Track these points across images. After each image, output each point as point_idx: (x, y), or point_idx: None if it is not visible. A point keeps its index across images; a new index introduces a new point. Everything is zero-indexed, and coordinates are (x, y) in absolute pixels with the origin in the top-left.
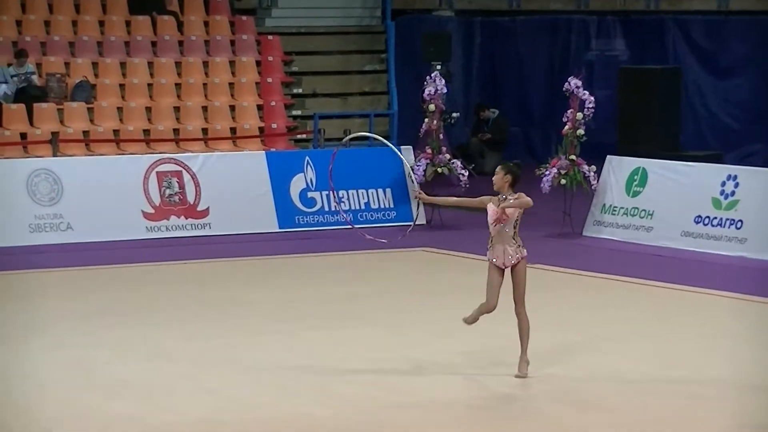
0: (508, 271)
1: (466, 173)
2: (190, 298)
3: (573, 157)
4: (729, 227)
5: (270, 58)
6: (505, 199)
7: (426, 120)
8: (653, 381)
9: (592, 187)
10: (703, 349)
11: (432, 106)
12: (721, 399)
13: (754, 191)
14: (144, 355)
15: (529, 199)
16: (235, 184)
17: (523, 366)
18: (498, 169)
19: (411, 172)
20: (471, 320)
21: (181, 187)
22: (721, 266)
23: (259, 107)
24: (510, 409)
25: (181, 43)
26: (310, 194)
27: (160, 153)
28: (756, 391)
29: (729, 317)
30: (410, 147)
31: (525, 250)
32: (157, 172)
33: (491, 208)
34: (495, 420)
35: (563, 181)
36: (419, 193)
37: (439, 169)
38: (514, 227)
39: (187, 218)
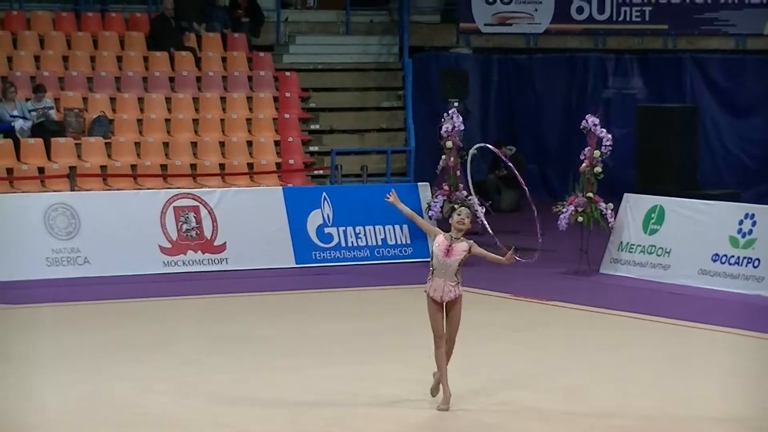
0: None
1: (483, 210)
2: (206, 333)
3: (590, 194)
4: (746, 266)
5: (287, 94)
6: (458, 239)
7: (443, 157)
8: (669, 418)
9: (609, 225)
10: (720, 388)
11: (449, 143)
12: None
13: None
14: (160, 389)
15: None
16: (252, 219)
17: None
18: (466, 212)
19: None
20: (435, 391)
21: (198, 222)
22: (738, 304)
23: (277, 143)
24: None
25: (198, 78)
26: (326, 230)
27: (178, 188)
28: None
29: (747, 355)
30: (427, 184)
31: (461, 288)
32: (174, 207)
33: (441, 240)
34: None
35: (580, 219)
36: (389, 196)
37: (456, 206)
38: (459, 265)
39: (204, 253)
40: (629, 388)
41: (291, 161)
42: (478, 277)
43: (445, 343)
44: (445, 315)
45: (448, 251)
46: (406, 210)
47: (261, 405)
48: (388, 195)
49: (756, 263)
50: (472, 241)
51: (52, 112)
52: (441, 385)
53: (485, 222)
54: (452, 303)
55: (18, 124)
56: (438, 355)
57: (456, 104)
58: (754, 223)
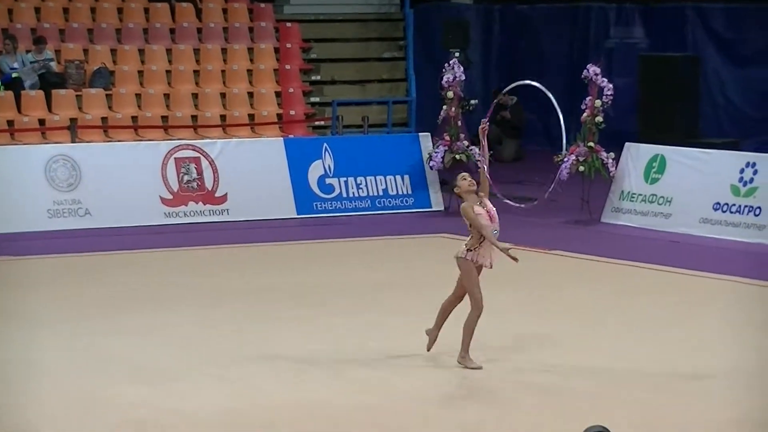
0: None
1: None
2: (207, 284)
3: (591, 144)
4: (747, 214)
5: (288, 45)
6: (485, 201)
7: (444, 107)
8: (671, 368)
9: (611, 174)
10: (722, 337)
11: (450, 93)
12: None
13: None
14: (161, 341)
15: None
16: (253, 170)
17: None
18: (470, 177)
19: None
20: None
21: (200, 173)
22: (739, 253)
23: (278, 94)
24: (529, 395)
25: (199, 30)
26: (328, 180)
27: (179, 139)
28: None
29: (747, 303)
30: (428, 134)
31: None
32: (175, 159)
33: (479, 209)
34: (513, 407)
35: (582, 168)
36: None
37: (458, 156)
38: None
39: (205, 204)
40: (644, 338)
41: (292, 112)
42: None
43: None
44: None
45: (491, 218)
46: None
47: (264, 358)
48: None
49: (757, 211)
50: (483, 196)
51: (53, 64)
52: (434, 331)
53: (485, 165)
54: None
55: (27, 82)
56: (446, 306)
57: (457, 54)
58: (755, 172)
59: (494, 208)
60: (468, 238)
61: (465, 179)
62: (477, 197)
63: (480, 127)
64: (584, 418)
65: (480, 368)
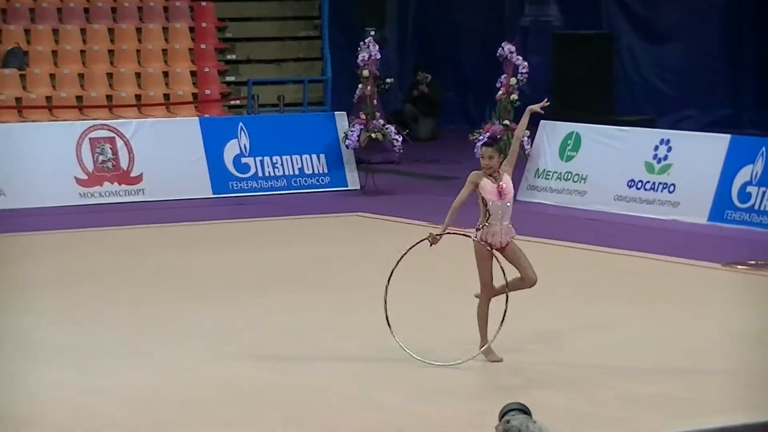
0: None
1: (401, 139)
2: (123, 264)
3: (507, 122)
4: (662, 191)
5: (204, 25)
6: (501, 175)
7: (360, 86)
8: (587, 341)
9: (526, 152)
10: (635, 312)
11: (366, 72)
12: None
13: (686, 155)
14: (78, 320)
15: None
16: (168, 150)
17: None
18: (491, 150)
19: None
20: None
21: (115, 153)
22: (653, 230)
23: (193, 73)
24: (431, 370)
25: (114, 9)
26: (243, 160)
27: (94, 120)
28: (684, 354)
29: (662, 280)
30: (344, 113)
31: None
32: (90, 139)
33: (487, 183)
34: (427, 376)
35: None
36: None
37: (374, 135)
38: (511, 203)
39: (120, 184)
40: (561, 315)
41: (207, 92)
42: (395, 205)
43: (493, 292)
44: (506, 257)
45: (500, 193)
46: (450, 217)
47: (182, 335)
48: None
49: (671, 188)
50: (507, 170)
51: None
52: (483, 336)
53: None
54: (506, 248)
55: None
56: (481, 308)
57: (373, 33)
58: (669, 149)
59: (510, 185)
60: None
61: (491, 157)
62: (494, 173)
63: (535, 106)
64: (508, 392)
65: (500, 360)
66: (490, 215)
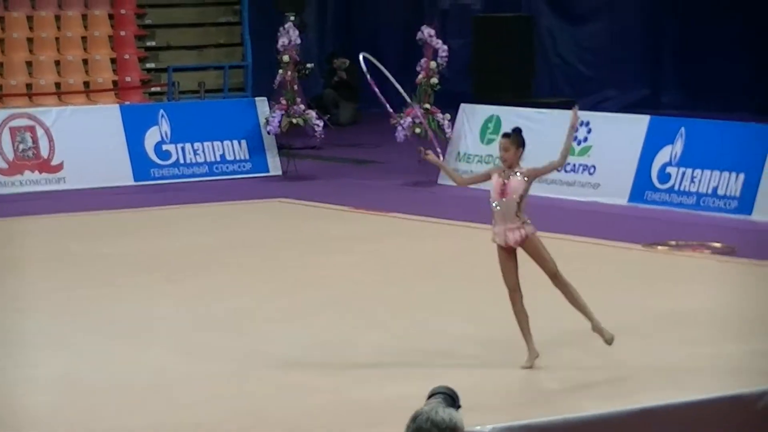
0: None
1: (322, 124)
2: (45, 252)
3: (427, 105)
4: (582, 173)
5: (123, 12)
6: (513, 173)
7: (280, 71)
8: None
9: (447, 136)
10: (555, 294)
11: (286, 57)
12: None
13: (606, 137)
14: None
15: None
16: (89, 138)
17: (600, 329)
18: (507, 142)
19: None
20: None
21: (35, 141)
22: (574, 212)
23: (113, 61)
24: (350, 352)
25: None
26: (165, 147)
27: (13, 108)
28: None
29: (583, 261)
30: (265, 98)
31: (530, 227)
32: (10, 128)
33: (495, 178)
34: (351, 360)
35: (418, 130)
36: (426, 153)
37: (294, 120)
38: (519, 203)
39: (41, 173)
40: (489, 297)
41: (128, 79)
42: (317, 190)
43: (520, 294)
44: (529, 255)
45: (503, 191)
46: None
47: (105, 323)
48: (425, 154)
49: (592, 170)
50: (530, 168)
51: None
52: (528, 343)
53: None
54: (528, 245)
55: None
56: (516, 313)
57: (292, 18)
58: (589, 131)
59: (518, 184)
60: None
61: (508, 150)
62: (508, 167)
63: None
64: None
65: (529, 367)
66: (494, 213)
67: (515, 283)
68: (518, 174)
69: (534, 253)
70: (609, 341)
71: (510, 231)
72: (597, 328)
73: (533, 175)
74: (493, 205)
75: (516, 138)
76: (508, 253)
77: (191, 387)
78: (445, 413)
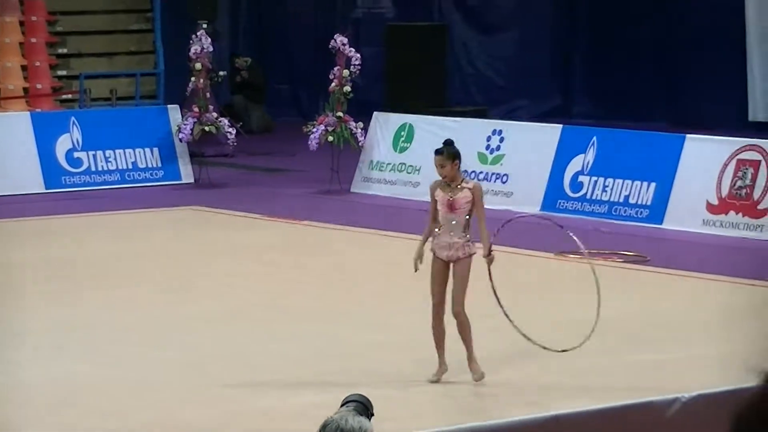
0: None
1: (234, 132)
2: None
3: (340, 114)
4: (495, 181)
5: (34, 18)
6: (459, 187)
7: (193, 79)
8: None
9: (360, 144)
10: (467, 304)
11: (198, 65)
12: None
13: (519, 145)
14: None
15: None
16: None
17: (475, 367)
18: (440, 159)
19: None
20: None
21: None
22: (487, 220)
23: (24, 68)
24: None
25: None
26: (76, 154)
27: None
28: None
29: (495, 270)
30: (177, 106)
31: (470, 249)
32: None
33: (440, 193)
34: (260, 372)
35: (331, 138)
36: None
37: (207, 128)
38: (467, 217)
39: None
40: (405, 306)
41: (39, 86)
42: (229, 198)
43: (443, 309)
44: (452, 275)
45: (451, 205)
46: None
47: (15, 332)
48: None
49: (504, 179)
50: (474, 184)
51: None
52: (439, 357)
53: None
54: (459, 266)
55: None
56: (434, 326)
57: (205, 26)
58: (501, 140)
59: (465, 200)
60: None
61: (444, 165)
62: (452, 182)
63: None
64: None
65: (436, 381)
66: (441, 225)
67: (441, 296)
68: (464, 189)
69: (458, 276)
70: (478, 378)
71: (453, 246)
72: (472, 364)
73: (477, 195)
74: (446, 217)
75: (448, 152)
76: (442, 266)
77: (100, 395)
78: (355, 421)
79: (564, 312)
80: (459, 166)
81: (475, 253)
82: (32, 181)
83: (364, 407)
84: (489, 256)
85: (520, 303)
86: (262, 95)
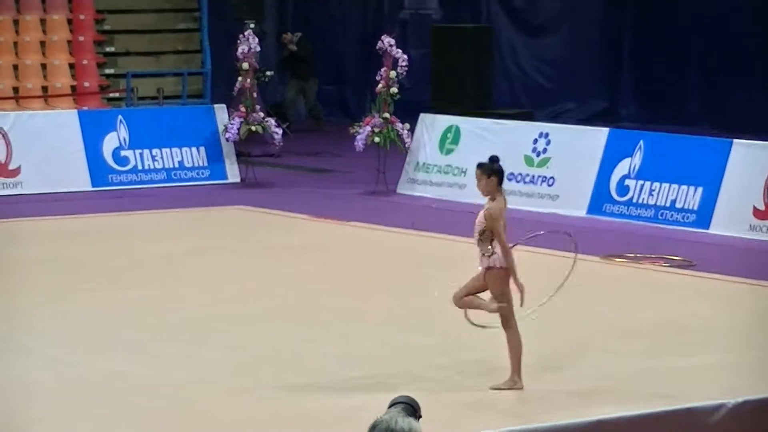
0: None
1: (281, 132)
2: (1, 257)
3: (387, 115)
4: (541, 184)
5: (82, 17)
6: (485, 207)
7: (239, 78)
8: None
9: (406, 145)
10: (516, 306)
11: (245, 65)
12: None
13: (565, 148)
14: None
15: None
16: (47, 143)
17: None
18: (477, 173)
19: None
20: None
21: None
22: (533, 223)
23: (71, 66)
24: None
25: None
26: (123, 153)
27: None
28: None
29: (541, 273)
30: (224, 105)
31: (493, 261)
32: None
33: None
34: (304, 373)
35: (377, 140)
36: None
37: (253, 128)
38: (480, 236)
39: None
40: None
41: (86, 84)
42: (275, 197)
43: (460, 302)
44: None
45: (476, 217)
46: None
47: (62, 330)
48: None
49: (551, 182)
50: (488, 208)
51: None
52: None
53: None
54: (487, 275)
55: None
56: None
57: (252, 26)
58: (548, 142)
59: (478, 218)
60: None
61: (478, 180)
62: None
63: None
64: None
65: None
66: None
67: (465, 290)
68: (486, 209)
69: (487, 285)
70: (498, 387)
71: (479, 257)
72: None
73: (489, 221)
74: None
75: (485, 167)
76: (479, 274)
77: (143, 394)
78: (404, 422)
79: (611, 315)
80: (495, 184)
81: (493, 267)
82: (79, 179)
83: (412, 409)
84: (518, 284)
85: (566, 306)
86: (310, 68)
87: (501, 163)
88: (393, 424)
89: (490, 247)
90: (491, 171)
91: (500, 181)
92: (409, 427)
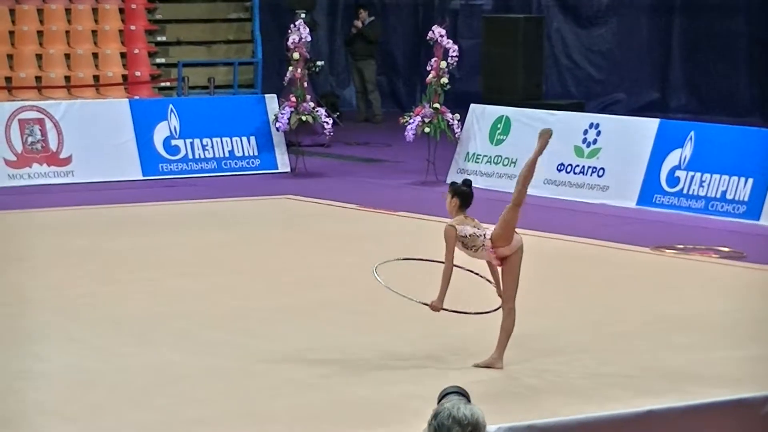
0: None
1: (331, 122)
2: (53, 246)
3: (437, 105)
4: (591, 175)
5: (133, 6)
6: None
7: (290, 68)
8: (517, 326)
9: (456, 136)
10: (564, 297)
11: (296, 55)
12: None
13: (615, 139)
14: (7, 303)
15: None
16: (98, 131)
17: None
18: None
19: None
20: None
21: (44, 134)
22: (583, 214)
23: (123, 55)
24: (357, 353)
25: None
26: (174, 142)
27: (22, 101)
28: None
29: (591, 264)
30: (274, 95)
31: (486, 241)
32: (19, 120)
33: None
34: (355, 363)
35: (427, 130)
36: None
37: (303, 118)
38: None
39: (49, 166)
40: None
41: (137, 73)
42: (325, 187)
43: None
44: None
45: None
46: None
47: (112, 320)
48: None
49: (601, 172)
50: (446, 226)
51: None
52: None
53: None
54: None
55: None
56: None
57: (303, 16)
58: (598, 133)
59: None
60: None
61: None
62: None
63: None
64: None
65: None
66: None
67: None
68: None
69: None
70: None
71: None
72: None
73: (444, 236)
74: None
75: (451, 187)
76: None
77: (194, 384)
78: (467, 410)
79: (661, 306)
80: (457, 205)
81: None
82: (130, 168)
83: (466, 399)
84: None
85: (615, 297)
86: (373, 49)
87: (551, 152)
88: (455, 411)
89: (474, 245)
90: (454, 192)
91: (463, 204)
92: (471, 414)
